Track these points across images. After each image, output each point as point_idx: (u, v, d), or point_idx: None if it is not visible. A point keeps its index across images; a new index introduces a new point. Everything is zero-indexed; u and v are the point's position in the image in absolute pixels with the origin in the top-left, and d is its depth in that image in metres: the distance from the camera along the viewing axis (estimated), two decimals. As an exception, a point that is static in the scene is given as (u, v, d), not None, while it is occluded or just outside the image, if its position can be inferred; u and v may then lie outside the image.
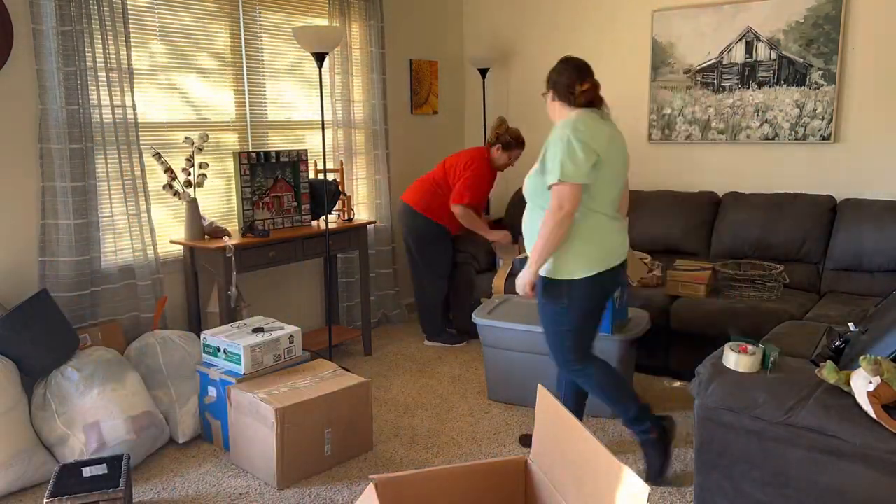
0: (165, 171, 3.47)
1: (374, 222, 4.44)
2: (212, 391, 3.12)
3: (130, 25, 3.43)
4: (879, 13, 3.89)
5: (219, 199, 3.95)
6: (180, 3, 3.66)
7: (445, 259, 4.40)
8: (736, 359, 2.30)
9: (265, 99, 4.12)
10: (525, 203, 2.82)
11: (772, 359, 2.26)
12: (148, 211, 3.48)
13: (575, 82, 2.69)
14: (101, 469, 2.65)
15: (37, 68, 3.13)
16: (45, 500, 2.43)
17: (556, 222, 2.56)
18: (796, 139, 4.18)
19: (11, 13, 3.05)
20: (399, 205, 4.44)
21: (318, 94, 3.95)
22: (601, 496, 1.47)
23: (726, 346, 2.36)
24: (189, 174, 3.56)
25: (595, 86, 2.72)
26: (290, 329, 3.21)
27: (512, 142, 4.24)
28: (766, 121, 4.26)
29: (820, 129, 4.10)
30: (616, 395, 2.77)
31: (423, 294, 4.46)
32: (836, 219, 3.90)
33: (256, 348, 3.05)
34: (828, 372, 2.14)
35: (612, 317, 3.21)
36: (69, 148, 3.18)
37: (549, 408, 1.73)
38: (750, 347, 2.30)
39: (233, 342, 3.05)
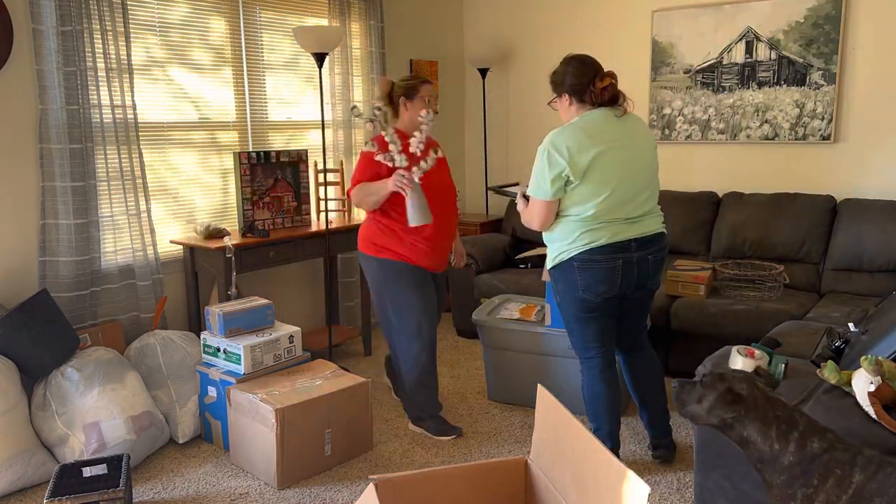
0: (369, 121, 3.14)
1: (374, 222, 4.43)
2: (212, 391, 3.12)
3: (130, 25, 3.43)
4: (879, 13, 3.89)
5: (218, 198, 3.95)
6: (180, 3, 3.66)
7: (411, 307, 3.12)
8: (742, 362, 2.29)
9: (265, 99, 4.12)
10: None
11: (777, 370, 2.25)
12: (148, 211, 3.48)
13: (594, 78, 2.60)
14: (101, 469, 2.64)
15: (37, 68, 3.13)
16: (45, 500, 2.43)
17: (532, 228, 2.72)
18: (796, 139, 4.19)
19: (11, 13, 3.05)
20: None
21: (319, 94, 3.95)
22: (601, 496, 1.46)
23: (733, 349, 2.35)
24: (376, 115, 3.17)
25: (614, 79, 2.62)
26: (290, 329, 3.21)
27: (411, 85, 3.13)
28: (766, 121, 4.26)
29: (820, 129, 4.10)
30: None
31: (396, 361, 3.27)
32: (836, 219, 3.90)
33: (256, 348, 3.05)
34: (829, 372, 2.14)
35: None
36: (69, 148, 3.18)
37: (549, 408, 1.73)
38: (757, 352, 2.30)
39: (233, 342, 3.05)
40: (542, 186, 2.59)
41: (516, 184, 3.14)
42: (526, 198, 2.74)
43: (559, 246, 2.66)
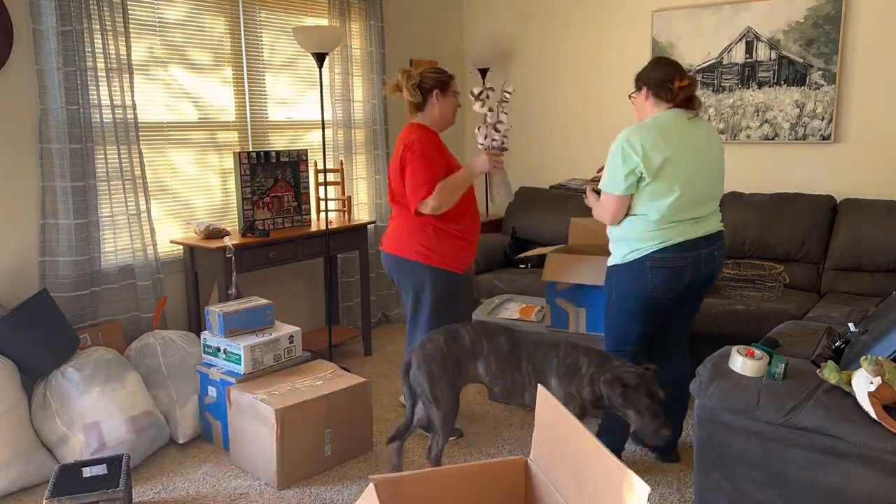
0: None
1: (374, 222, 4.44)
2: (212, 391, 3.12)
3: (130, 25, 3.43)
4: (879, 13, 3.89)
5: (218, 198, 3.95)
6: (180, 2, 3.66)
7: (449, 321, 3.00)
8: (742, 362, 2.29)
9: (265, 99, 4.12)
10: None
11: (777, 370, 2.25)
12: (148, 211, 3.48)
13: (675, 77, 2.63)
14: (101, 469, 2.64)
15: (37, 68, 3.13)
16: (45, 500, 2.43)
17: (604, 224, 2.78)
18: (796, 139, 4.18)
19: (11, 13, 3.05)
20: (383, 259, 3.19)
21: (319, 93, 3.96)
22: (601, 496, 1.46)
23: (733, 349, 2.35)
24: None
25: (694, 83, 2.66)
26: (290, 329, 3.21)
27: (445, 79, 3.04)
28: (766, 121, 4.26)
29: (820, 129, 4.10)
30: None
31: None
32: (836, 219, 3.90)
33: (256, 348, 3.05)
34: (829, 372, 2.14)
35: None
36: (69, 148, 3.18)
37: (549, 408, 1.73)
38: (757, 352, 2.30)
39: (233, 342, 3.05)
40: (615, 181, 2.61)
41: (573, 179, 3.16)
42: (597, 192, 2.78)
43: (630, 244, 2.67)
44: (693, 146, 2.61)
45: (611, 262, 2.77)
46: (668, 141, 2.57)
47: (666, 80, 2.64)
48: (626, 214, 2.67)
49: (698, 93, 4.43)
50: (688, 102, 2.66)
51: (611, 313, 2.80)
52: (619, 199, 2.63)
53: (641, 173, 2.56)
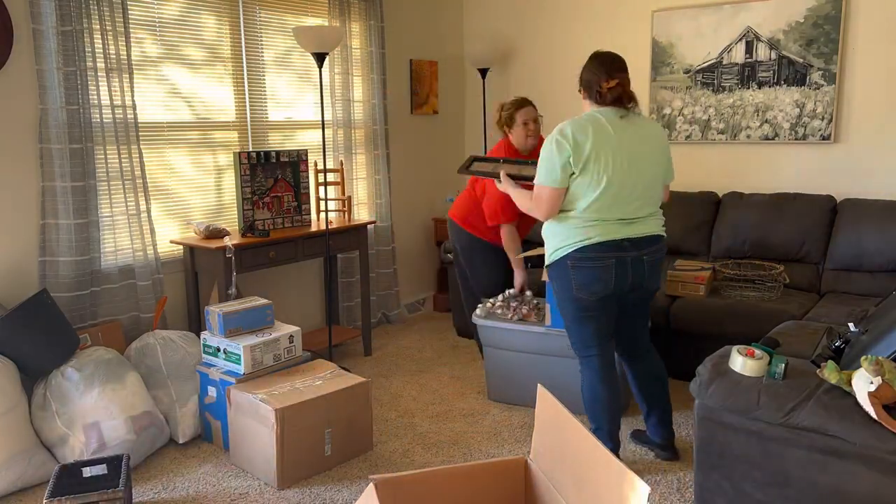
0: None
1: (374, 222, 4.44)
2: (212, 391, 3.12)
3: (130, 25, 3.43)
4: (879, 13, 3.89)
5: (218, 198, 3.95)
6: (180, 2, 3.66)
7: (494, 275, 3.87)
8: (742, 362, 2.29)
9: (265, 99, 4.12)
10: None
11: (777, 370, 2.25)
12: (148, 211, 3.48)
13: (601, 80, 2.63)
14: (101, 469, 2.64)
15: (37, 68, 3.13)
16: (45, 500, 2.43)
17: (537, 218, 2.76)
18: (796, 139, 4.18)
19: (11, 13, 3.05)
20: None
21: (319, 94, 3.96)
22: (601, 496, 1.46)
23: (733, 349, 2.36)
24: None
25: (623, 82, 2.64)
26: (290, 329, 3.21)
27: (509, 114, 3.62)
28: (766, 121, 4.26)
29: (820, 129, 4.10)
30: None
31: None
32: (836, 219, 3.90)
33: (256, 348, 3.05)
34: (829, 372, 2.14)
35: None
36: (69, 148, 3.18)
37: (549, 408, 1.73)
38: (757, 352, 2.30)
39: (233, 342, 3.05)
40: (553, 173, 2.60)
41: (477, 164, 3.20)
42: (512, 178, 2.78)
43: (554, 243, 2.68)
44: (623, 144, 2.60)
45: (546, 262, 2.77)
46: (598, 136, 2.57)
47: (592, 83, 2.65)
48: None
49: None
50: (618, 101, 2.65)
51: (561, 316, 2.82)
52: (556, 191, 2.61)
53: (571, 164, 2.57)
